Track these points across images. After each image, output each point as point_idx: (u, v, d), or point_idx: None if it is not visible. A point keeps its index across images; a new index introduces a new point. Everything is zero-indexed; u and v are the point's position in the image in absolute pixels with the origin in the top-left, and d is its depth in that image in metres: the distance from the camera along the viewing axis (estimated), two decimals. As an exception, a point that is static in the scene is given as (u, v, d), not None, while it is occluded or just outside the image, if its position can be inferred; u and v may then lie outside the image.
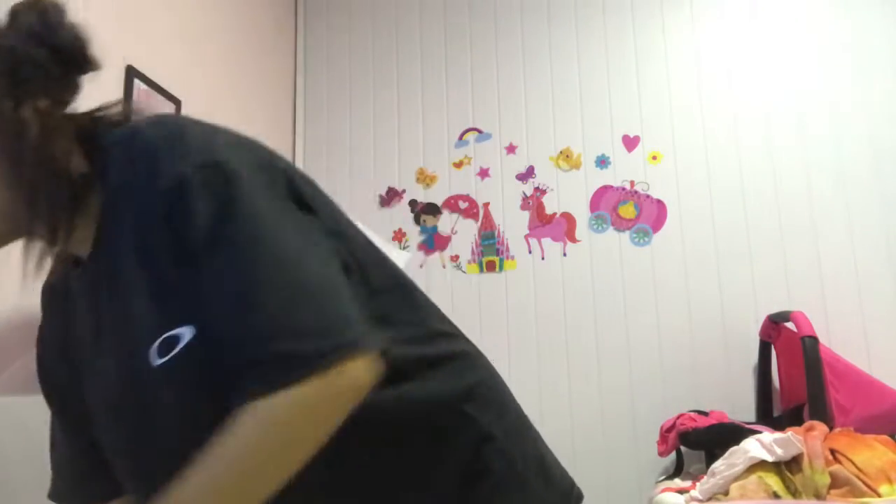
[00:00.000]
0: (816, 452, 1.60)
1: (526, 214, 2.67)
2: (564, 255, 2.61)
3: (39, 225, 0.58)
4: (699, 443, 2.08)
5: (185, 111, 2.10)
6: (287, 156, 2.89)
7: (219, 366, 0.51)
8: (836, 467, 1.59)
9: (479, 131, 2.77)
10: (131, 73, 1.88)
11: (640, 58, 2.68)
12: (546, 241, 2.63)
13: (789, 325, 2.19)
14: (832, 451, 1.64)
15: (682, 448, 2.19)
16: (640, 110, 2.63)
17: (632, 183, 2.60)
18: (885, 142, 2.44)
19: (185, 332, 0.53)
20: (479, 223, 2.70)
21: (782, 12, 2.60)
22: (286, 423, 0.50)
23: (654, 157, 2.60)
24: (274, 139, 2.81)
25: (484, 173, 2.73)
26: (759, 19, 2.61)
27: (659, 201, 2.57)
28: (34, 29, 0.60)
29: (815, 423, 1.75)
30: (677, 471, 2.22)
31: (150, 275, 0.55)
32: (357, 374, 0.52)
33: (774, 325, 2.30)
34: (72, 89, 0.64)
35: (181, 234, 0.54)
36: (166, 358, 0.53)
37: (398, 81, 2.88)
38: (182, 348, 0.53)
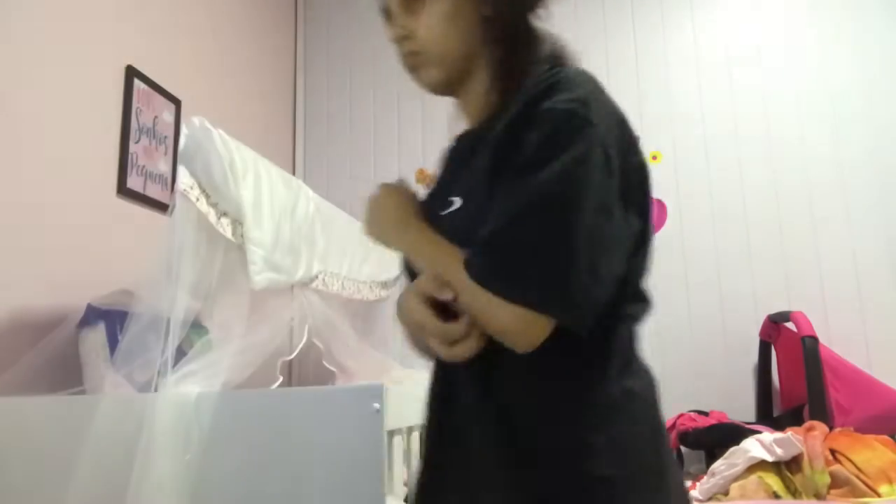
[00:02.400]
0: (816, 452, 1.60)
1: (526, 214, 2.66)
2: (564, 255, 2.60)
3: (480, 81, 0.79)
4: (699, 443, 2.08)
5: (184, 111, 2.10)
6: (287, 156, 2.90)
7: (473, 232, 0.66)
8: (836, 467, 1.59)
9: (479, 131, 2.76)
10: (131, 73, 1.88)
11: (640, 58, 2.68)
12: (546, 241, 2.63)
13: (789, 325, 2.19)
14: (832, 451, 1.64)
15: (682, 448, 2.19)
16: (640, 110, 2.63)
17: (632, 183, 2.60)
18: (885, 142, 2.43)
19: (456, 201, 0.73)
20: (479, 223, 2.70)
21: (783, 11, 2.60)
22: (469, 304, 0.64)
23: (654, 157, 2.60)
24: (274, 139, 2.81)
25: (484, 173, 2.72)
26: (760, 19, 2.61)
27: (659, 201, 2.57)
28: None
29: (815, 423, 1.75)
30: (677, 471, 2.22)
31: (483, 161, 0.71)
32: (536, 332, 0.61)
33: (774, 325, 2.30)
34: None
35: (518, 148, 0.66)
36: (443, 212, 0.74)
37: (398, 81, 2.88)
38: (451, 210, 0.73)
